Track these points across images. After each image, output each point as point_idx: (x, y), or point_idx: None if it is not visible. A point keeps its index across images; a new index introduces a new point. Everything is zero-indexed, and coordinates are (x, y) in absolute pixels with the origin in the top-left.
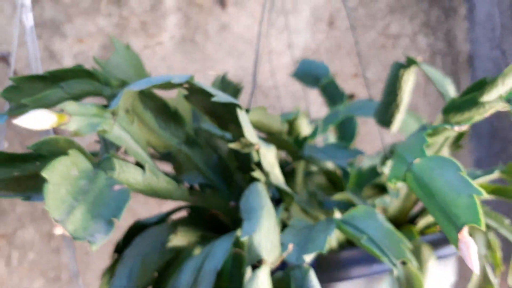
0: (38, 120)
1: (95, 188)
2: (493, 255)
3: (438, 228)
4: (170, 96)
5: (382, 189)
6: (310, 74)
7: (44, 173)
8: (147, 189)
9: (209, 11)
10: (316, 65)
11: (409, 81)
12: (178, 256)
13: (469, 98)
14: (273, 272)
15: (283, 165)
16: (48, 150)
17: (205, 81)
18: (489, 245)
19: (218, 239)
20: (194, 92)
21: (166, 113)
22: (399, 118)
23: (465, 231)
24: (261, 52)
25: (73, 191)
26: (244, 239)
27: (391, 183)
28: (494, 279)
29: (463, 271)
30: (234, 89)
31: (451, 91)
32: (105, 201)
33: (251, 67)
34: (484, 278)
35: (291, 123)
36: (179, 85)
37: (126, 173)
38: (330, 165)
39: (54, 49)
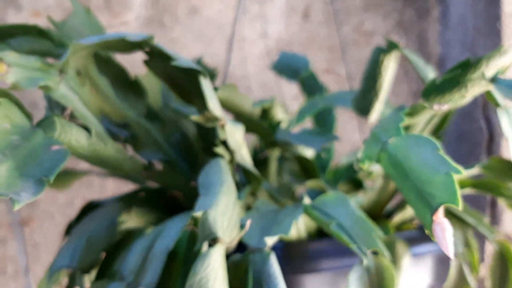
0: None
1: (29, 145)
2: (471, 256)
3: (415, 224)
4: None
5: (357, 185)
6: (289, 67)
7: None
8: (92, 156)
9: None
10: (296, 58)
11: (389, 67)
12: (130, 237)
13: (450, 77)
14: (230, 255)
15: (256, 153)
16: None
17: None
18: (467, 243)
19: (173, 217)
20: (155, 56)
21: (124, 82)
22: (378, 106)
23: (440, 211)
24: (232, 40)
25: (1, 144)
26: (198, 214)
27: (363, 164)
28: (471, 280)
29: (440, 273)
30: (209, 74)
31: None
32: (38, 160)
33: (221, 54)
34: (461, 278)
35: (266, 110)
36: (137, 45)
37: (69, 134)
38: (305, 152)
39: (8, 21)
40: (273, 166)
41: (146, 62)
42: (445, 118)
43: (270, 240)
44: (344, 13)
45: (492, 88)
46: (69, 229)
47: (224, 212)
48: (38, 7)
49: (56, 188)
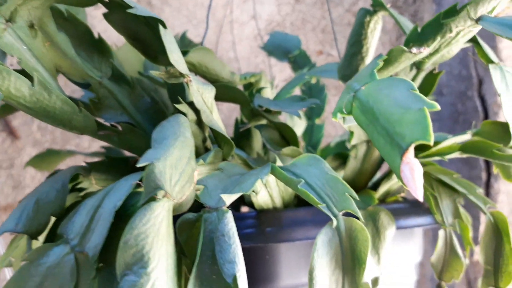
0: None
1: None
2: (464, 228)
3: (401, 196)
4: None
5: (346, 160)
6: (280, 47)
7: None
8: (35, 107)
9: None
10: (287, 37)
11: (375, 29)
12: (83, 200)
13: (432, 21)
14: (180, 215)
15: (238, 126)
16: None
17: None
18: (457, 214)
19: (125, 176)
20: (114, 8)
21: (88, 42)
22: None
23: (410, 151)
24: (223, 21)
25: None
26: (143, 165)
27: (335, 117)
28: (460, 252)
29: (430, 250)
30: None
31: None
32: None
33: (210, 36)
34: (450, 250)
35: (251, 83)
36: None
37: (6, 82)
38: (295, 129)
39: None
40: (256, 138)
41: (106, 16)
42: (433, 79)
43: (228, 199)
44: None
45: (479, 26)
46: None
47: (174, 166)
48: None
49: (40, 169)
